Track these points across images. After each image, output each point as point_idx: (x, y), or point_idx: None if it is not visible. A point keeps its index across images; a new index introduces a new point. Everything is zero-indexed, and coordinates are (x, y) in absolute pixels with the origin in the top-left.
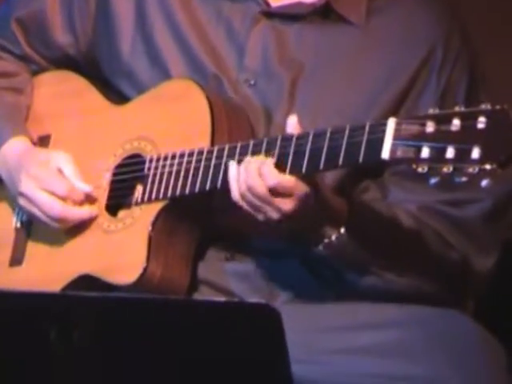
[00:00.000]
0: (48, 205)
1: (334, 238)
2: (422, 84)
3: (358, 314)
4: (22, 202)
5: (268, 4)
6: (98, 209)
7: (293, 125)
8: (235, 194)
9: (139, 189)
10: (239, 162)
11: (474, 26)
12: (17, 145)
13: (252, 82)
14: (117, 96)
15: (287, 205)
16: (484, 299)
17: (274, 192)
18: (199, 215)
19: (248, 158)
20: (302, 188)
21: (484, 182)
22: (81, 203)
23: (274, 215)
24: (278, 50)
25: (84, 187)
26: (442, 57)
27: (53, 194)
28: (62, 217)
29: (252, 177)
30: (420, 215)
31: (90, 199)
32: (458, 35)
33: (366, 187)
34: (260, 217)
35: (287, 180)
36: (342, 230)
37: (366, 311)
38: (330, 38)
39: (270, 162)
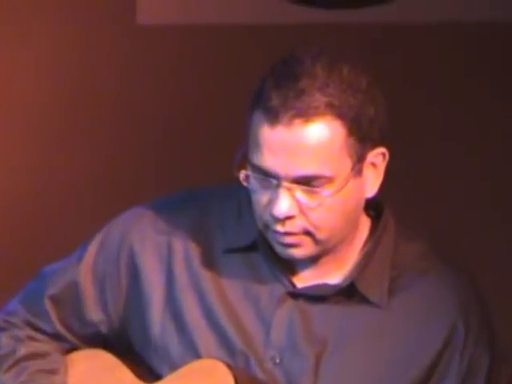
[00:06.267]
0: None
1: None
2: (445, 366)
3: None
4: None
5: (294, 284)
6: None
7: None
8: None
9: None
10: None
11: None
12: None
13: (277, 360)
14: (148, 370)
15: None
16: None
17: None
18: None
19: None
20: None
21: None
22: None
23: None
24: (302, 327)
25: None
26: (464, 336)
27: None
28: None
29: None
30: None
31: None
32: (478, 311)
33: None
34: None
35: None
36: None
37: None
38: (352, 318)
39: None
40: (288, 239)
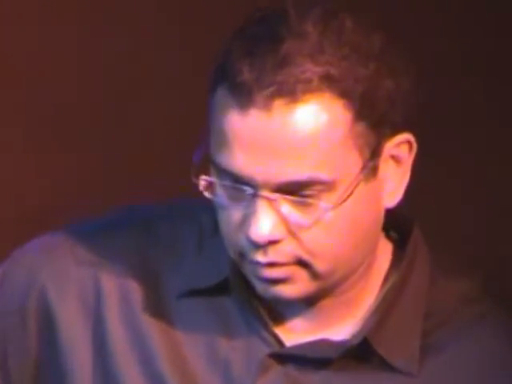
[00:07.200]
0: None
1: None
2: None
3: None
4: None
5: (281, 342)
6: None
7: None
8: None
9: None
10: None
11: None
12: None
13: None
14: None
15: None
16: None
17: None
18: None
19: None
20: None
21: None
22: None
23: None
24: None
25: None
26: None
27: None
28: None
29: None
30: None
31: None
32: None
33: None
34: None
35: None
36: None
37: None
38: None
39: None
40: (273, 272)
